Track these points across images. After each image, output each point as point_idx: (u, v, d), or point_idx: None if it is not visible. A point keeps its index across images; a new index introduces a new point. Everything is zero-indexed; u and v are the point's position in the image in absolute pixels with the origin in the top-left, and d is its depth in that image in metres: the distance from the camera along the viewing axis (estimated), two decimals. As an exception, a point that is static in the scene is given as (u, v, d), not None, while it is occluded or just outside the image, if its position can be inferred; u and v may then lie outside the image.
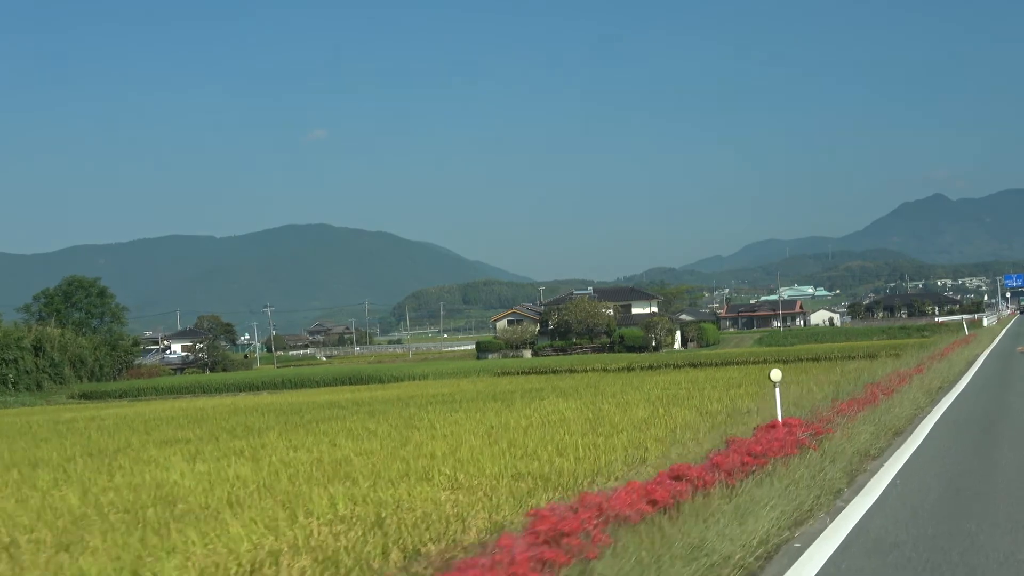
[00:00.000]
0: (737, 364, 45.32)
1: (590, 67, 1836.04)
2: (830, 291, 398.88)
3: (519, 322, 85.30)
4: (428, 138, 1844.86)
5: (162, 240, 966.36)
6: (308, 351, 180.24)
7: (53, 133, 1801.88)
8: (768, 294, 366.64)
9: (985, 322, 78.67)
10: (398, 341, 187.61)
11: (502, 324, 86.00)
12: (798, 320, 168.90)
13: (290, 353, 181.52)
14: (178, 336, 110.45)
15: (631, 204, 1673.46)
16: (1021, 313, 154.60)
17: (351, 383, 48.72)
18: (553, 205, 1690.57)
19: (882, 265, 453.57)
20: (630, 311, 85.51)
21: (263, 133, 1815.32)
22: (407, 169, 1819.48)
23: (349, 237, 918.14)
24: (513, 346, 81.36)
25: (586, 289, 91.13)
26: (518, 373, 47.84)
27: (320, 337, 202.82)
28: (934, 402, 16.08)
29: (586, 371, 46.92)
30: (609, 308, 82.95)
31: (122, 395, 51.34)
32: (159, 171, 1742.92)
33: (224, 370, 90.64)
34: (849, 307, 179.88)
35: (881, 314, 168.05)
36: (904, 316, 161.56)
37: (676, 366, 46.56)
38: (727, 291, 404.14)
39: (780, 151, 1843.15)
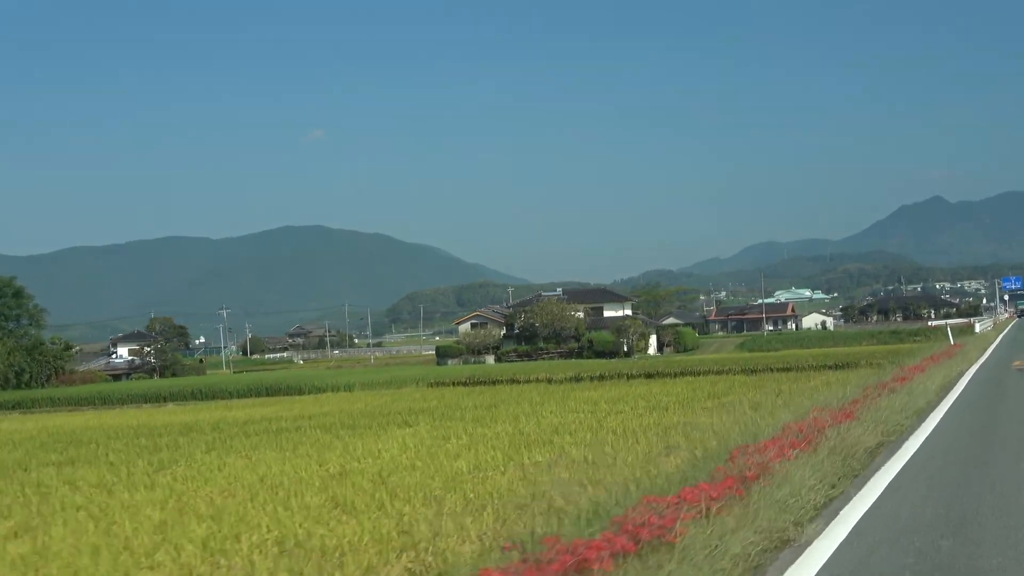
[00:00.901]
0: (696, 375, 40.42)
1: (589, 69, 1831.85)
2: (828, 294, 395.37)
3: (483, 325, 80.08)
4: (426, 139, 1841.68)
5: (159, 242, 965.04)
6: (286, 354, 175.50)
7: (49, 134, 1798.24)
8: (766, 297, 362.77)
9: (978, 328, 68.63)
10: (379, 344, 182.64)
11: (465, 327, 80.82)
12: (790, 323, 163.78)
13: (266, 357, 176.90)
14: (126, 339, 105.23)
15: (630, 206, 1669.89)
16: (1020, 316, 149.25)
17: (267, 394, 43.59)
18: (552, 207, 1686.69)
19: (880, 268, 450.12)
20: (601, 314, 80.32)
21: (260, 134, 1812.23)
22: (405, 171, 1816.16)
23: (346, 239, 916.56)
24: (475, 351, 76.20)
25: (555, 290, 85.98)
26: (453, 383, 42.78)
27: (300, 340, 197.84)
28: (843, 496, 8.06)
29: (529, 381, 41.79)
30: (579, 310, 77.73)
31: (15, 406, 46.12)
32: (156, 172, 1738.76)
33: (174, 375, 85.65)
34: (843, 310, 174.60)
35: (876, 317, 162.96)
36: (899, 319, 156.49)
37: (629, 376, 41.55)
38: (724, 293, 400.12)
39: (778, 153, 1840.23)
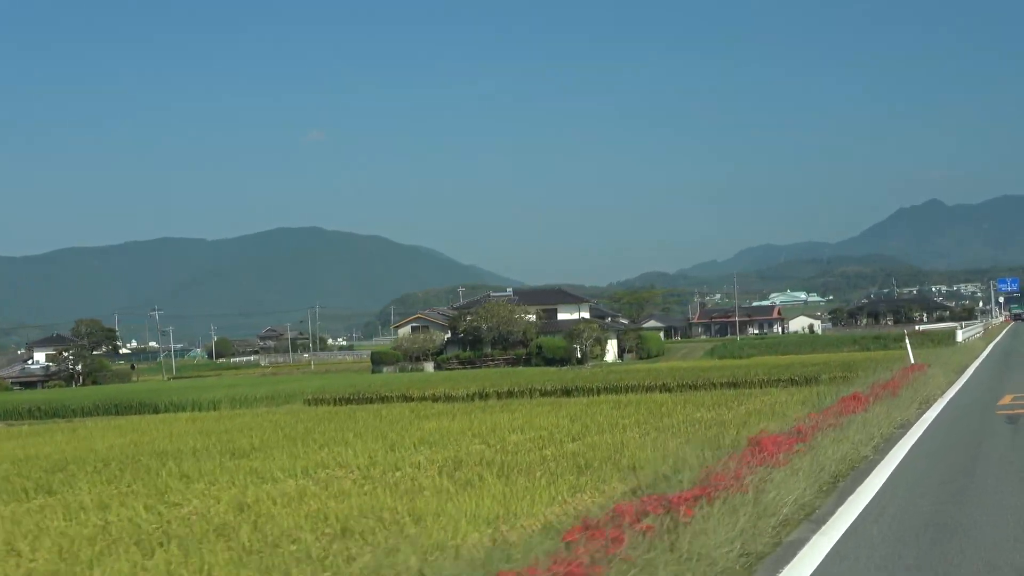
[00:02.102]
0: (624, 391, 34.13)
1: (589, 69, 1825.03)
2: (824, 296, 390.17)
3: (425, 329, 73.41)
4: (424, 140, 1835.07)
5: (154, 243, 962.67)
6: (253, 357, 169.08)
7: (44, 134, 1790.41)
8: (760, 299, 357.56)
9: (960, 336, 50.94)
10: (349, 347, 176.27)
11: (405, 331, 74.11)
12: (776, 327, 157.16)
13: (232, 360, 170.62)
14: (44, 343, 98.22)
15: (628, 208, 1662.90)
16: (1015, 320, 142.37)
17: (116, 412, 36.98)
18: (550, 208, 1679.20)
19: (877, 270, 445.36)
20: (555, 316, 73.58)
21: (257, 135, 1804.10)
22: (402, 172, 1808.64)
23: (342, 240, 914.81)
24: (413, 357, 69.50)
25: (506, 291, 79.11)
26: (335, 402, 36.37)
27: (271, 343, 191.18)
28: None
29: (424, 399, 35.42)
30: (530, 313, 71.05)
31: None
32: (151, 173, 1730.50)
33: (95, 383, 78.98)
34: (831, 313, 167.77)
35: (865, 320, 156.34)
36: (890, 323, 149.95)
37: (544, 393, 35.18)
38: (719, 296, 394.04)
39: (776, 155, 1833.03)
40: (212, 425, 25.47)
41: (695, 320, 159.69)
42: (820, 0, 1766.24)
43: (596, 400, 29.83)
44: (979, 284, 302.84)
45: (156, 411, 36.69)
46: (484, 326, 67.21)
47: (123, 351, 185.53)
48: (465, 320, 68.46)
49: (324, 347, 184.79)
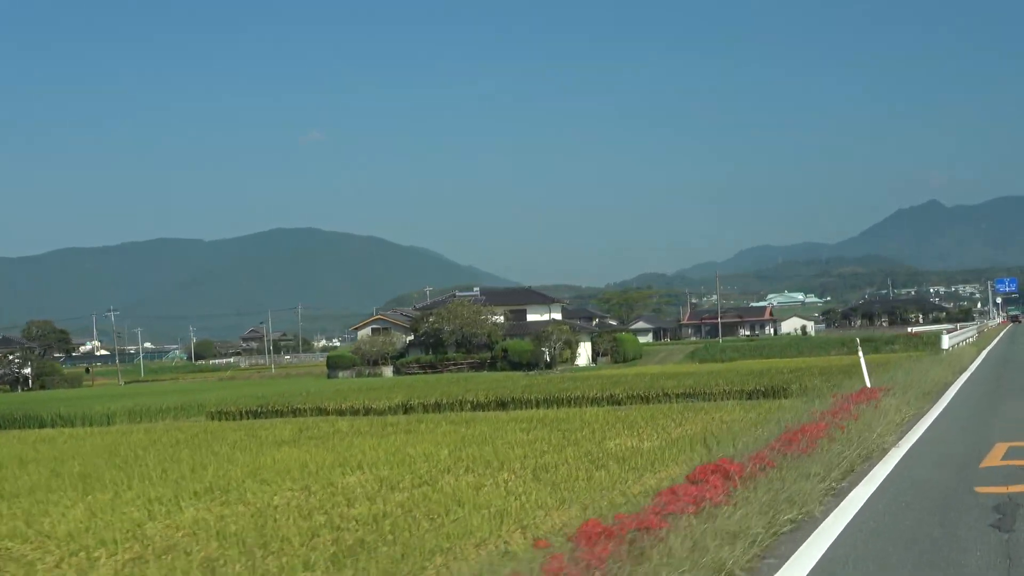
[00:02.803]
0: (568, 403, 30.25)
1: (589, 69, 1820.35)
2: (821, 297, 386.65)
3: (385, 331, 69.23)
4: (422, 141, 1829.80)
5: (151, 243, 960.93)
6: (234, 359, 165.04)
7: (41, 135, 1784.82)
8: (759, 300, 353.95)
9: (947, 342, 39.41)
10: (334, 348, 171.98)
11: (365, 333, 69.89)
12: (768, 328, 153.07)
13: (211, 362, 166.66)
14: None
15: (627, 209, 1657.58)
16: (1013, 322, 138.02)
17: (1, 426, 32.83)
18: (548, 209, 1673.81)
19: (875, 271, 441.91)
20: (524, 317, 69.40)
21: (254, 135, 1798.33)
22: (400, 172, 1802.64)
23: (339, 241, 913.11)
24: (372, 361, 65.33)
25: (471, 291, 74.85)
26: (242, 415, 32.30)
27: (254, 344, 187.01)
28: None
29: (341, 413, 31.42)
30: (497, 314, 66.88)
31: None
32: (149, 174, 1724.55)
33: (43, 387, 74.84)
34: (825, 314, 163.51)
35: (860, 322, 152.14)
36: (885, 324, 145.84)
37: (476, 406, 31.21)
38: (715, 297, 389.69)
39: (776, 156, 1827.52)
40: (46, 450, 21.38)
41: (685, 321, 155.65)
42: (820, 0, 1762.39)
43: (521, 416, 25.72)
44: (978, 285, 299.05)
45: (42, 425, 32.52)
46: (446, 328, 63.04)
47: (100, 352, 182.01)
48: (427, 321, 64.30)
49: (308, 348, 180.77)
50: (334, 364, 66.50)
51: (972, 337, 56.71)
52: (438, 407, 30.93)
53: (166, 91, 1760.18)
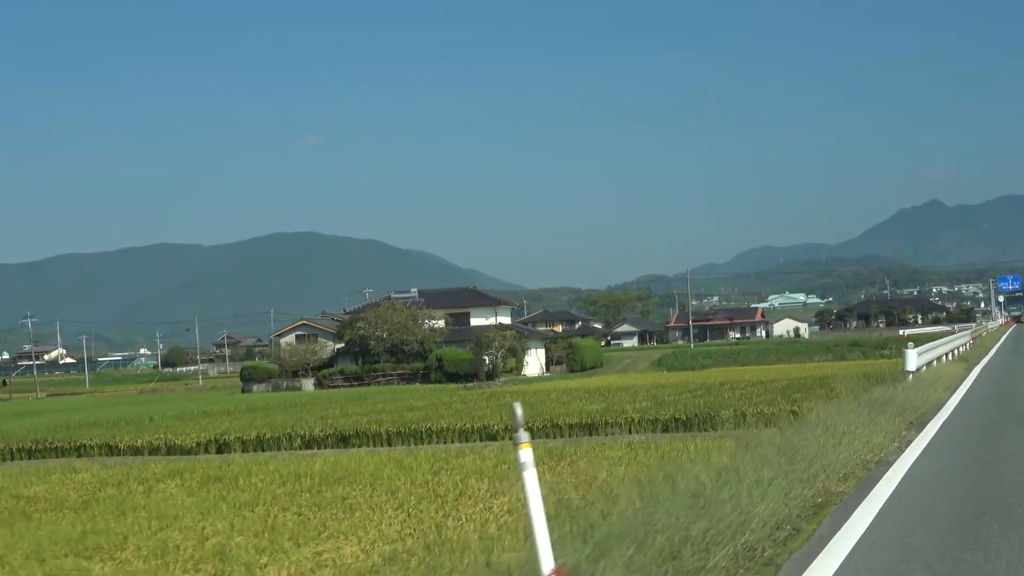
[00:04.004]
0: (435, 438, 23.36)
1: (586, 73, 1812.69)
2: (823, 298, 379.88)
3: (312, 337, 62.06)
4: (421, 143, 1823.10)
5: (150, 248, 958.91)
6: (204, 366, 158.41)
7: (39, 140, 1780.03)
8: (758, 301, 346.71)
9: (914, 360, 22.47)
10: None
11: (289, 340, 62.72)
12: (759, 330, 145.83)
13: (179, 370, 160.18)
14: None
15: (628, 210, 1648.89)
16: (1016, 323, 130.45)
17: None
18: (549, 211, 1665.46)
19: (876, 271, 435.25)
20: (467, 321, 62.14)
21: (252, 140, 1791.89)
22: (399, 175, 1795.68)
23: (338, 244, 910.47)
24: (293, 372, 58.18)
25: (409, 291, 67.37)
26: (12, 454, 25.46)
27: (228, 351, 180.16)
28: None
29: (119, 452, 24.62)
30: (436, 318, 59.67)
31: None
32: (147, 179, 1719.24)
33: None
34: (818, 315, 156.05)
35: (855, 323, 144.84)
36: (882, 325, 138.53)
37: (309, 443, 24.42)
38: (716, 298, 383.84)
39: (776, 157, 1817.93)
40: None
41: (672, 324, 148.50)
42: (820, 0, 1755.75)
43: (285, 466, 18.56)
44: (980, 285, 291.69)
45: None
46: (374, 334, 55.87)
47: (65, 361, 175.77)
48: (353, 327, 57.12)
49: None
50: (248, 376, 59.24)
51: (964, 345, 42.30)
52: (260, 444, 23.83)
53: (165, 95, 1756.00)
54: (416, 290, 67.44)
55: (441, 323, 60.27)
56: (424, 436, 23.14)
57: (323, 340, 61.42)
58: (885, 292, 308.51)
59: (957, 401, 19.95)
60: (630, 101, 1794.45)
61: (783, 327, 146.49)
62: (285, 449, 23.40)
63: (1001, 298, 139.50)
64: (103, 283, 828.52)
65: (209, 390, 67.64)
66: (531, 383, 51.36)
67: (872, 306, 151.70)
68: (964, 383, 24.91)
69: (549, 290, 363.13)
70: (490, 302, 65.01)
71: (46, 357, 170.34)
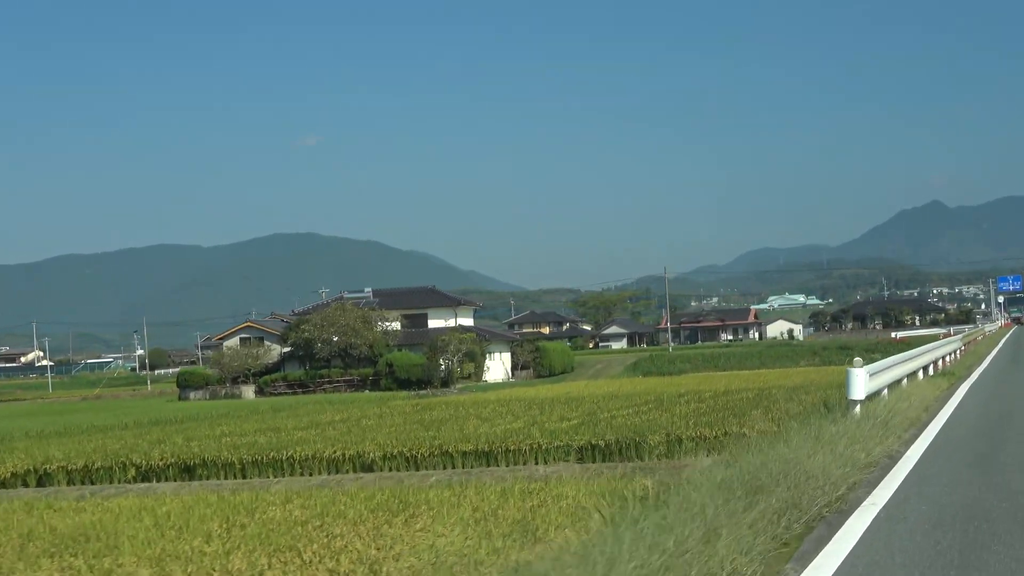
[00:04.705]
0: (294, 469, 19.31)
1: (587, 73, 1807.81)
2: (823, 299, 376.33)
3: (258, 340, 57.89)
4: (421, 144, 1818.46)
5: (149, 249, 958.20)
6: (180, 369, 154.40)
7: (38, 141, 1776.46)
8: (758, 303, 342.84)
9: (859, 386, 14.25)
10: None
11: (232, 343, 58.55)
12: (751, 332, 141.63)
13: (157, 372, 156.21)
14: None
15: (628, 212, 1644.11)
16: (1016, 324, 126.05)
17: None
18: (550, 213, 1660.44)
19: (877, 272, 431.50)
20: (424, 323, 57.94)
21: (251, 140, 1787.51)
22: (399, 176, 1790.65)
23: (337, 245, 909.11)
24: (234, 378, 54.06)
25: (363, 291, 63.06)
26: None
27: (210, 352, 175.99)
28: None
29: None
30: (391, 319, 55.50)
31: None
32: (146, 179, 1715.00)
33: None
34: (812, 317, 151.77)
35: (851, 325, 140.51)
36: (879, 327, 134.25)
37: (145, 473, 20.19)
38: (715, 299, 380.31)
39: (776, 158, 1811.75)
40: None
41: (662, 326, 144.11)
42: (820, 0, 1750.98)
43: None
44: (981, 286, 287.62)
45: None
46: (319, 337, 51.73)
47: (42, 364, 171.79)
48: (298, 330, 52.97)
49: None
50: (185, 383, 55.05)
51: (952, 353, 34.18)
52: (88, 474, 19.65)
53: (164, 95, 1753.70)
54: (370, 290, 63.21)
55: (397, 325, 56.12)
56: (284, 466, 19.04)
57: (269, 343, 57.30)
58: (885, 293, 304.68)
59: (915, 461, 11.43)
60: (630, 101, 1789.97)
61: (777, 329, 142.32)
62: (118, 481, 19.27)
63: (1001, 299, 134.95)
64: (102, 284, 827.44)
65: (157, 396, 63.51)
66: (486, 391, 47.17)
67: (868, 307, 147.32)
68: (938, 417, 16.52)
69: (548, 291, 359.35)
70: (449, 302, 60.68)
71: (22, 359, 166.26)
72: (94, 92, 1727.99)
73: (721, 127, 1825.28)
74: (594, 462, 17.19)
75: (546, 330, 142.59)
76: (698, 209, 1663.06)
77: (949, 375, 26.11)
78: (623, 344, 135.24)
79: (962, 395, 21.36)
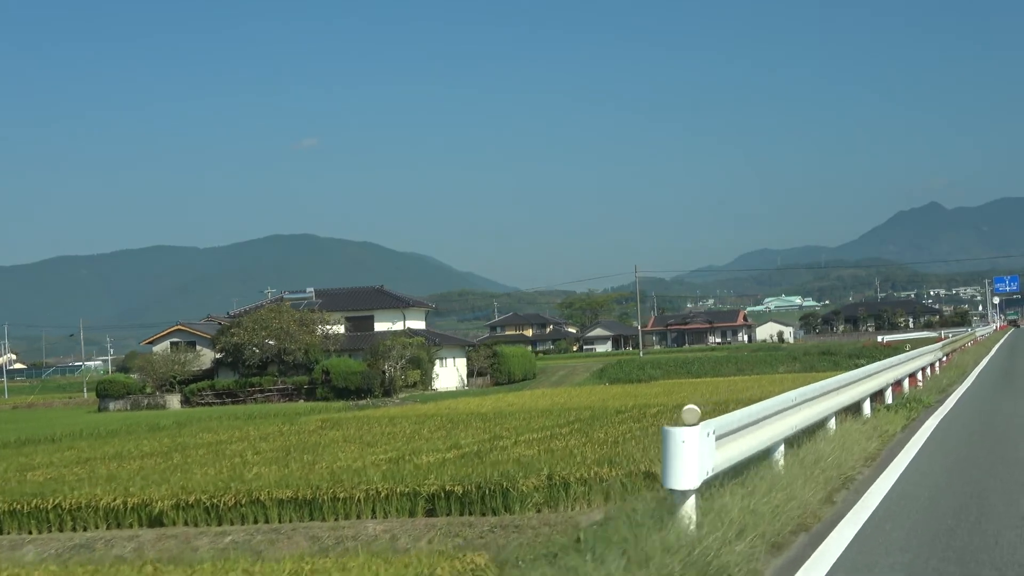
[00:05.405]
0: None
1: (586, 74, 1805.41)
2: (819, 301, 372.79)
3: (190, 345, 53.67)
4: (418, 146, 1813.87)
5: (145, 251, 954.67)
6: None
7: (34, 142, 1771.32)
8: (755, 304, 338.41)
9: (685, 465, 6.99)
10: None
11: (163, 347, 54.30)
12: (740, 335, 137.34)
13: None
14: None
15: (626, 213, 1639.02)
16: (1013, 326, 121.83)
17: None
18: (547, 215, 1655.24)
19: (874, 273, 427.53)
20: (371, 327, 53.67)
21: (248, 142, 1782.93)
22: (396, 177, 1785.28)
23: (334, 247, 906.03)
24: (160, 386, 49.86)
25: (304, 291, 58.75)
26: None
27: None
28: None
29: None
30: (333, 322, 51.30)
31: None
32: (143, 181, 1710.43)
33: None
34: (803, 319, 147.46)
35: (843, 327, 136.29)
36: (871, 329, 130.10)
37: None
38: (712, 301, 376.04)
39: (774, 160, 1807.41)
40: None
41: (648, 328, 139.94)
42: (819, 3, 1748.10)
43: None
44: (978, 287, 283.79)
45: None
46: (249, 342, 47.51)
47: (15, 367, 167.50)
48: (228, 334, 48.75)
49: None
50: (105, 392, 50.77)
51: (930, 365, 27.10)
52: None
53: (162, 97, 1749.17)
54: (312, 290, 58.88)
55: (340, 328, 51.92)
56: (50, 517, 14.81)
57: (202, 349, 53.10)
58: (883, 295, 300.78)
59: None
60: (629, 103, 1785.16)
61: (767, 331, 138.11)
62: None
63: (996, 300, 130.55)
64: (99, 286, 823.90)
65: (91, 404, 59.29)
66: (427, 402, 43.01)
67: (860, 309, 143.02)
68: (853, 515, 8.54)
69: (543, 292, 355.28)
70: (398, 303, 56.34)
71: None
72: (90, 93, 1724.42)
73: (718, 129, 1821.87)
74: (449, 514, 13.08)
75: (529, 332, 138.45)
76: (697, 210, 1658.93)
77: (911, 405, 17.79)
78: (608, 347, 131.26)
79: (917, 449, 12.82)
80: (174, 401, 48.23)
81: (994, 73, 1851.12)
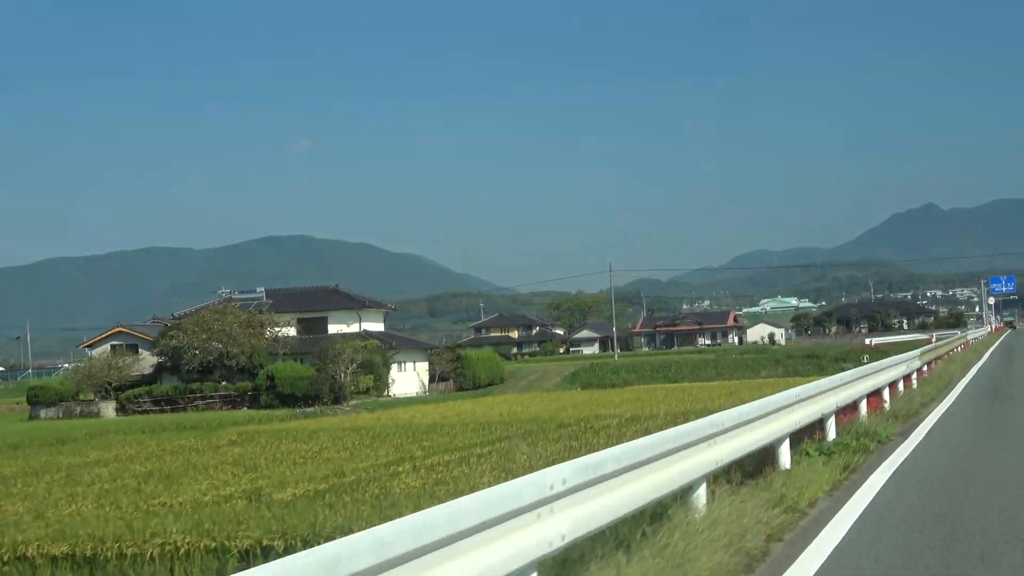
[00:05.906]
0: None
1: (583, 74, 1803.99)
2: (815, 302, 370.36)
3: (131, 348, 50.57)
4: (415, 148, 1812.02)
5: (139, 252, 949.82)
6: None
7: (27, 143, 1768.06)
8: (751, 305, 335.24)
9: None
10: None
11: (103, 350, 51.19)
12: (731, 336, 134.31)
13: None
14: None
15: (625, 214, 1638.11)
16: (1010, 328, 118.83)
17: None
18: (545, 216, 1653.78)
19: (870, 274, 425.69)
20: (324, 329, 50.58)
21: (244, 144, 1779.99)
22: (390, 180, 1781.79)
23: (330, 248, 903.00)
24: (98, 390, 46.74)
25: (254, 291, 55.64)
26: None
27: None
28: None
29: None
30: (283, 324, 48.17)
31: None
32: (138, 182, 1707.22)
33: None
34: (793, 320, 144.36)
35: (835, 328, 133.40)
36: (864, 330, 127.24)
37: None
38: (707, 302, 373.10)
39: (772, 161, 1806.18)
40: None
41: (637, 330, 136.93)
42: (815, 2, 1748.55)
43: None
44: (974, 288, 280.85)
45: None
46: (190, 345, 44.40)
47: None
48: (167, 337, 45.66)
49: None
50: (36, 399, 47.59)
51: (899, 380, 20.64)
52: None
53: (156, 98, 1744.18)
54: (263, 289, 55.73)
55: (292, 330, 48.82)
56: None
57: (145, 352, 50.00)
58: (879, 295, 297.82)
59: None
60: (628, 104, 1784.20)
61: (758, 333, 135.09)
62: None
63: (992, 300, 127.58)
64: (93, 287, 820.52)
65: (26, 411, 56.06)
66: (375, 410, 39.90)
67: (854, 310, 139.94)
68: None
69: (538, 294, 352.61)
70: (354, 304, 53.21)
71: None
72: (85, 93, 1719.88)
73: (715, 131, 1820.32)
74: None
75: (514, 334, 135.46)
76: (695, 210, 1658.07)
77: (859, 442, 12.24)
78: (595, 348, 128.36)
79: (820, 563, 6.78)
80: (109, 409, 45.15)
81: (992, 74, 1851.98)
